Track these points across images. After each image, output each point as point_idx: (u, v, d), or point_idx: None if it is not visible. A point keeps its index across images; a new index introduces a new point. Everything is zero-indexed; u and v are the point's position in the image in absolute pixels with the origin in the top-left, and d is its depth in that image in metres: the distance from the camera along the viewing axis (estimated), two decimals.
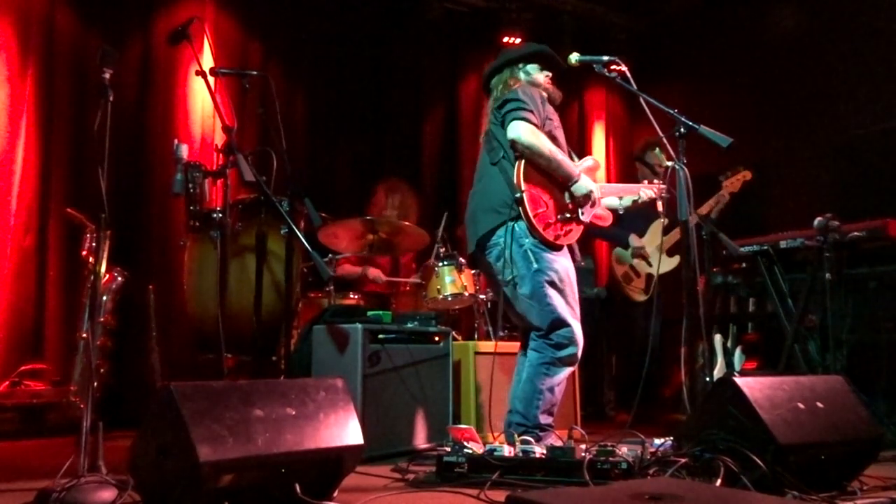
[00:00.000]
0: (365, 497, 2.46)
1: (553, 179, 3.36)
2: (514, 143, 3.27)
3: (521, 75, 3.48)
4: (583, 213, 3.41)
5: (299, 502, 2.13)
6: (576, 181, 3.35)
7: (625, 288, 5.36)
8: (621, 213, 3.79)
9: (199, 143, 5.22)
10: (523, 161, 3.28)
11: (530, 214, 3.24)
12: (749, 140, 5.34)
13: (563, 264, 3.30)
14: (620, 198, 3.72)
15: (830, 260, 3.71)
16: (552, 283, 3.24)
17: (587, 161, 3.58)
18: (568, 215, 3.37)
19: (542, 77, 3.51)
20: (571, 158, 3.50)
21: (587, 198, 3.39)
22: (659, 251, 5.03)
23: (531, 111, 3.29)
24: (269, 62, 5.81)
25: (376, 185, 5.33)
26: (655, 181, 3.75)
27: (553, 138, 3.38)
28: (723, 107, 6.01)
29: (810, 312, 3.92)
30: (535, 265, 3.23)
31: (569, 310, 3.27)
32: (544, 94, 3.46)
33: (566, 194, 3.39)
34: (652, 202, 3.72)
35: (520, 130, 3.25)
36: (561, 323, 3.23)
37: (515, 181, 3.25)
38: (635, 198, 3.69)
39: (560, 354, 3.24)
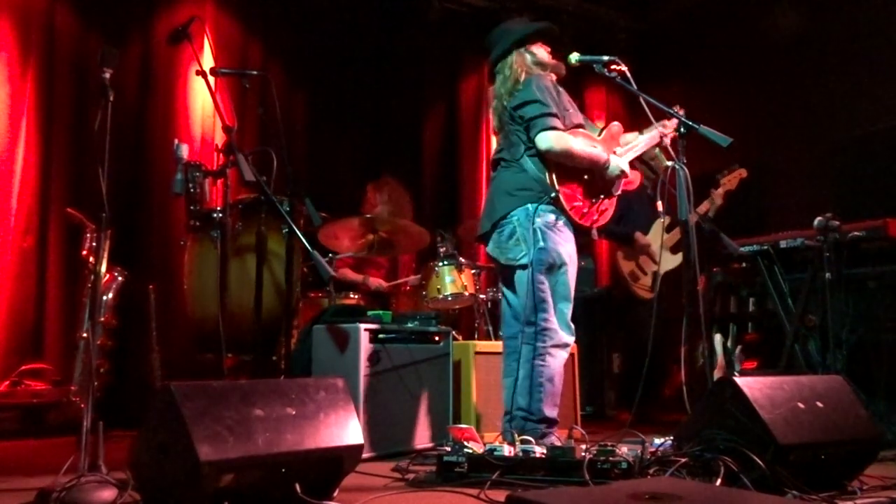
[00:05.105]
0: (365, 497, 2.45)
1: (582, 169, 3.38)
2: (546, 154, 3.26)
3: (528, 57, 3.45)
4: (614, 189, 3.44)
5: (299, 502, 2.13)
6: (607, 165, 3.36)
7: (631, 286, 5.35)
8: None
9: (199, 143, 5.22)
10: (553, 165, 3.28)
11: (567, 210, 3.28)
12: (749, 140, 5.34)
13: (567, 249, 3.31)
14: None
15: (830, 260, 3.71)
16: (552, 265, 3.26)
17: (612, 128, 3.56)
18: (602, 196, 3.39)
19: (545, 55, 3.49)
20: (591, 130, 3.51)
21: (619, 177, 3.41)
22: (661, 249, 5.03)
23: (554, 114, 3.27)
24: (269, 62, 5.81)
25: (366, 186, 5.33)
26: (665, 122, 3.63)
27: (575, 125, 3.38)
28: (723, 107, 6.00)
29: (810, 312, 3.91)
30: (541, 243, 3.24)
31: (559, 293, 3.29)
32: (553, 77, 3.45)
33: (597, 177, 3.40)
34: (653, 187, 3.70)
35: (551, 142, 3.23)
36: (547, 306, 3.25)
37: (549, 182, 3.27)
38: (656, 148, 3.65)
39: (550, 342, 3.24)
